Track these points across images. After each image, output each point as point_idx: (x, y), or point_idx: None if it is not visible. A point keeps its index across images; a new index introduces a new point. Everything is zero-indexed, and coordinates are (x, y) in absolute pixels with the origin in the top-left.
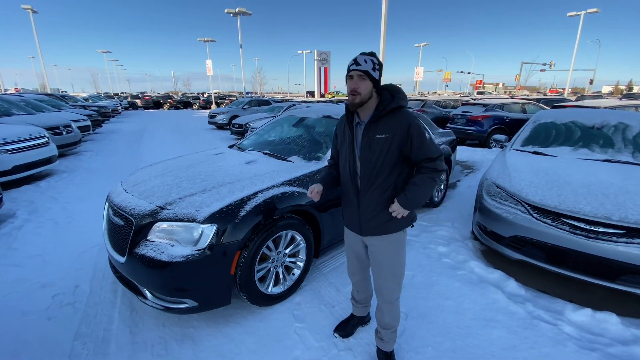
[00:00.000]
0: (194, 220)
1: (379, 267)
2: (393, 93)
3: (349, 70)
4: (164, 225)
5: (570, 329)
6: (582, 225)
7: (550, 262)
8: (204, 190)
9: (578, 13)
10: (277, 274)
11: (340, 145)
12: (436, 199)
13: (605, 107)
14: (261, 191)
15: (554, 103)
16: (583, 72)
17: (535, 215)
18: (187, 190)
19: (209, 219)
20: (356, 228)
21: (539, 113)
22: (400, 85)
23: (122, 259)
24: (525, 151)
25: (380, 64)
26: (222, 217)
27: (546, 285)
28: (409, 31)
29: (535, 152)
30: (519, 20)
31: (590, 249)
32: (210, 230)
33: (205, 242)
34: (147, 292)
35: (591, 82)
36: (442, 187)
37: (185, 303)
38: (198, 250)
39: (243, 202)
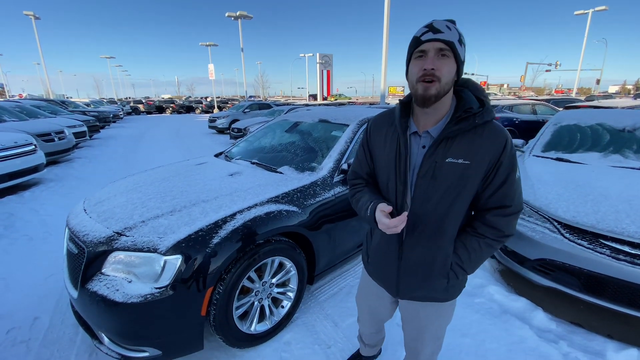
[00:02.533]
0: (155, 251)
1: (417, 332)
2: (479, 94)
3: (417, 43)
4: (120, 255)
5: None
6: (627, 248)
7: (587, 291)
8: (173, 211)
9: (586, 11)
10: (262, 308)
11: (378, 161)
12: None
13: (623, 107)
14: (241, 211)
15: (566, 104)
16: (589, 72)
17: (567, 235)
18: (153, 211)
19: (173, 249)
20: (390, 287)
21: (560, 114)
22: (403, 88)
23: (75, 294)
24: (547, 157)
25: (464, 43)
26: (190, 245)
27: (579, 315)
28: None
29: (558, 159)
30: (525, 20)
31: (636, 278)
32: (174, 262)
33: (168, 277)
34: (103, 336)
35: (598, 81)
36: None
37: (145, 352)
38: (159, 288)
39: (217, 225)
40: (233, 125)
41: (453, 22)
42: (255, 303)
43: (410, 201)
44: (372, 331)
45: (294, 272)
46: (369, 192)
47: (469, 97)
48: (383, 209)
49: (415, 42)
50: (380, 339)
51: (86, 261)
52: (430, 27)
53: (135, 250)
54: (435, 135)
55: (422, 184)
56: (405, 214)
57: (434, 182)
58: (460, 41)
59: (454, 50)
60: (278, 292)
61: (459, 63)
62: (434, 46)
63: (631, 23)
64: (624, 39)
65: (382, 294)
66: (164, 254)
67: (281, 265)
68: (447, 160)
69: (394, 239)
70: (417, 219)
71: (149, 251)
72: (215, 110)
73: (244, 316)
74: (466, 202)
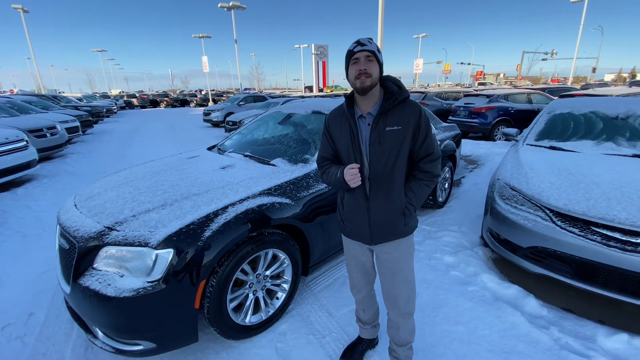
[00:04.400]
0: (146, 245)
1: (392, 277)
2: (397, 83)
3: (351, 54)
4: (112, 250)
5: None
6: (617, 235)
7: (578, 278)
8: (164, 205)
9: None
10: (256, 300)
11: (338, 143)
12: (440, 199)
13: (617, 95)
14: (233, 204)
15: (561, 92)
16: (585, 60)
17: (559, 223)
18: (144, 205)
19: (165, 243)
20: (365, 237)
21: (554, 103)
22: (400, 78)
23: (67, 289)
24: (540, 146)
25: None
26: (182, 239)
27: (570, 301)
28: (408, 22)
29: (552, 147)
30: (521, 8)
31: (626, 264)
32: (166, 256)
33: (160, 271)
34: (98, 330)
35: (594, 70)
36: (446, 185)
37: (140, 345)
38: (151, 282)
39: (209, 219)
40: (228, 118)
41: (371, 39)
42: (250, 295)
43: (368, 165)
44: (365, 294)
45: (288, 263)
46: (335, 165)
47: (391, 85)
48: (351, 165)
49: (350, 54)
50: (375, 311)
51: (77, 256)
52: (359, 43)
53: (126, 244)
54: (375, 114)
55: (373, 150)
56: (358, 166)
57: (381, 147)
58: (378, 50)
59: (375, 56)
60: (272, 284)
61: (380, 65)
62: (363, 54)
63: (628, 10)
64: (620, 26)
65: (362, 248)
66: (156, 248)
67: (275, 258)
68: (387, 129)
69: (361, 198)
70: (375, 176)
71: (140, 245)
72: (210, 104)
73: (238, 308)
74: (405, 157)
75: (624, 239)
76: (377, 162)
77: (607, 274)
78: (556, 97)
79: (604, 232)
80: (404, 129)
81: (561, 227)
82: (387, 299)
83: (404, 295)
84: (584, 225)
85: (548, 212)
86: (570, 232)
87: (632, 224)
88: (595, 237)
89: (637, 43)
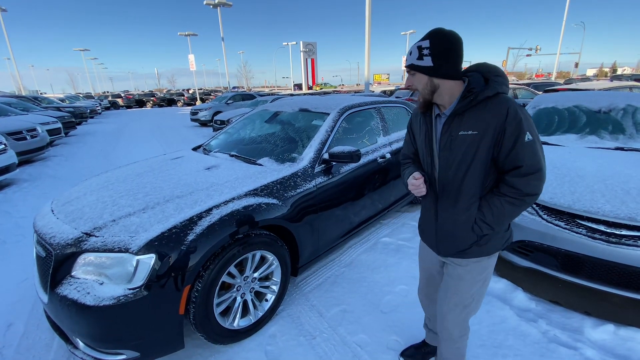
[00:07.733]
0: (126, 250)
1: (444, 292)
2: (487, 75)
3: None
4: (90, 257)
5: (592, 352)
6: (602, 227)
7: (565, 270)
8: (145, 209)
9: None
10: (245, 302)
11: (417, 142)
12: None
13: (599, 89)
14: (217, 206)
15: (545, 87)
16: (568, 55)
17: (545, 216)
18: (124, 209)
19: (146, 248)
20: (433, 246)
21: (539, 97)
22: (388, 75)
23: (45, 298)
24: None
25: (438, 45)
26: (164, 244)
27: (557, 293)
28: (395, 19)
29: None
30: (506, 4)
31: (611, 256)
32: (147, 262)
33: (141, 278)
34: (78, 340)
35: (576, 65)
36: None
37: (122, 354)
38: (133, 289)
39: (192, 222)
40: (216, 118)
41: (427, 37)
42: (237, 298)
43: (439, 166)
44: (429, 301)
45: (276, 265)
46: (412, 166)
47: (475, 79)
48: (415, 175)
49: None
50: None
51: (54, 264)
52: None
53: (105, 250)
54: (448, 114)
55: (442, 155)
56: (422, 177)
57: (451, 153)
58: (421, 56)
59: (414, 68)
60: (261, 286)
61: (427, 69)
62: (406, 71)
63: (608, 7)
64: (601, 22)
65: (431, 253)
66: (136, 254)
67: (263, 259)
68: (460, 133)
69: (431, 205)
70: (443, 184)
71: (120, 251)
72: (198, 103)
73: (226, 312)
74: (483, 167)
75: (608, 231)
76: (445, 168)
77: (593, 266)
78: (541, 92)
79: (589, 224)
80: (480, 134)
81: (547, 221)
82: (437, 312)
83: (449, 318)
84: (569, 218)
85: (534, 205)
86: (557, 225)
87: (615, 216)
88: (580, 229)
89: (617, 38)
